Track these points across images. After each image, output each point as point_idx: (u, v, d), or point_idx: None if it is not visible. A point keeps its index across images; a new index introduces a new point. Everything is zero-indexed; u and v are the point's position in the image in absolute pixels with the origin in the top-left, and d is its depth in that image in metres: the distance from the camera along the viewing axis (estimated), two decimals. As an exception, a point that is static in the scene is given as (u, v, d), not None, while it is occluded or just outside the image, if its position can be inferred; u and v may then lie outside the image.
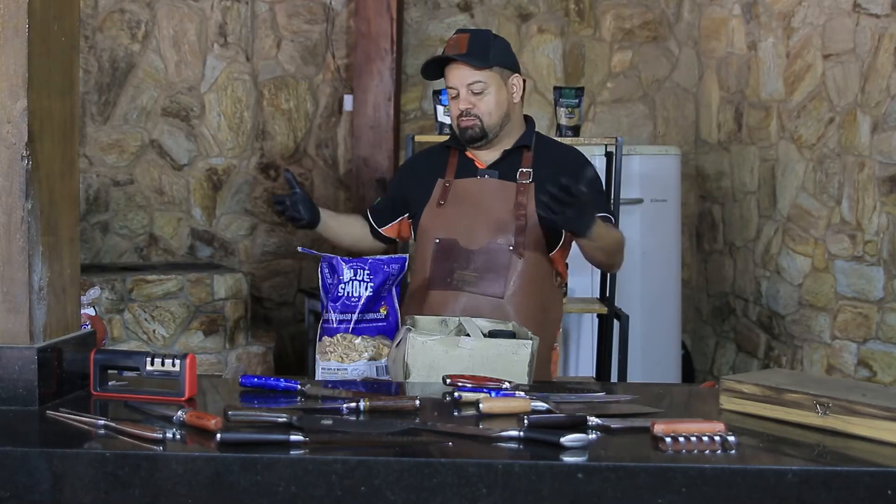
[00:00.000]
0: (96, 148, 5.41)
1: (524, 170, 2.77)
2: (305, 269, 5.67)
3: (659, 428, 1.77)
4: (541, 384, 2.33)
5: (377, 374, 2.51)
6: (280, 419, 1.81)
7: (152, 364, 2.01)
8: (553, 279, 2.83)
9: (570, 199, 2.41)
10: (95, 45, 5.37)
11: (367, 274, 2.55)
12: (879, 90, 4.02)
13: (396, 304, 2.62)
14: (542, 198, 2.44)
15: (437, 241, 2.77)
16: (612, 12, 5.74)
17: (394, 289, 2.61)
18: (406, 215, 2.94)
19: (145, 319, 4.87)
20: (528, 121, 2.88)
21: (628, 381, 4.16)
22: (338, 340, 2.53)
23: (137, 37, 5.42)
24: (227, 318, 5.01)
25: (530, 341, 2.28)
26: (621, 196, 4.26)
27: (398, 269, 2.59)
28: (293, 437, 1.69)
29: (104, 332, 2.37)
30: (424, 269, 2.78)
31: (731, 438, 1.76)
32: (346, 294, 2.53)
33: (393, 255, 2.63)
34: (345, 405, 1.94)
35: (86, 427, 1.80)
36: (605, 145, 4.39)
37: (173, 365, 2.00)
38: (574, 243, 2.75)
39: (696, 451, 1.72)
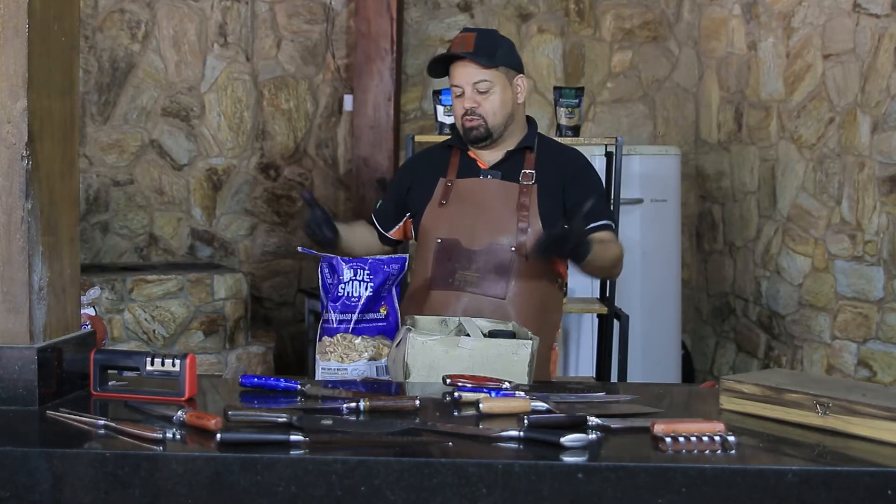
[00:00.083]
0: (96, 148, 5.41)
1: (527, 171, 2.77)
2: (305, 269, 5.67)
3: (659, 428, 1.77)
4: (541, 384, 2.33)
5: (377, 374, 2.51)
6: (280, 419, 1.81)
7: (152, 364, 2.01)
8: (554, 280, 2.83)
9: (566, 243, 2.47)
10: (95, 45, 5.36)
11: (367, 274, 2.55)
12: (879, 90, 4.02)
13: (396, 304, 2.62)
14: (537, 249, 2.51)
15: (439, 240, 2.77)
16: (612, 12, 5.74)
17: (394, 289, 2.60)
18: (408, 215, 2.92)
19: (145, 319, 4.87)
20: (531, 122, 2.88)
21: (628, 381, 4.16)
22: (338, 340, 2.53)
23: (137, 37, 5.41)
24: (227, 318, 5.01)
25: (530, 341, 2.28)
26: (621, 196, 4.26)
27: (398, 269, 2.59)
28: (293, 437, 1.69)
29: (104, 332, 2.36)
30: (426, 269, 2.77)
31: (731, 438, 1.76)
32: (346, 294, 2.53)
33: (393, 255, 2.63)
34: (345, 405, 1.94)
35: (86, 427, 1.80)
36: (605, 145, 4.39)
37: (173, 365, 2.00)
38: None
39: (696, 451, 1.72)
